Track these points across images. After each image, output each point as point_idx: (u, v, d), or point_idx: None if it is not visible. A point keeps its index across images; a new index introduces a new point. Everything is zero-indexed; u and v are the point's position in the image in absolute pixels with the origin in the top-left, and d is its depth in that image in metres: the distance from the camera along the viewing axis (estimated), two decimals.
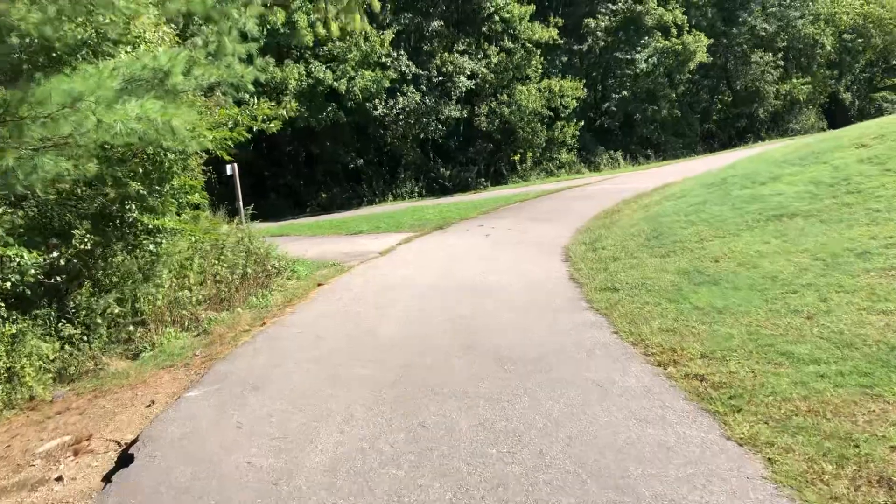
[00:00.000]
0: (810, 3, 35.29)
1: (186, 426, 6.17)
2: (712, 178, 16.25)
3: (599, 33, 31.01)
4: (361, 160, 29.03)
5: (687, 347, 6.39)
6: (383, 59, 27.59)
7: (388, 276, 11.96)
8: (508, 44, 28.73)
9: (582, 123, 30.40)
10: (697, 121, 36.57)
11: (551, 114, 29.21)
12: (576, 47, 31.13)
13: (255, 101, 12.25)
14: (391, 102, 28.05)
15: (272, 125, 12.24)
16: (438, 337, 7.89)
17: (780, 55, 35.97)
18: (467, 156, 30.08)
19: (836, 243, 8.40)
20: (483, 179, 29.74)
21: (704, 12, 34.31)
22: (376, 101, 27.83)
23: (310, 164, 31.05)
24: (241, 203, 24.39)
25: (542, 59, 29.13)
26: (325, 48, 27.27)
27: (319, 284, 11.80)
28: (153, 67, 8.09)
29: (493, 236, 15.27)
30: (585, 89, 30.08)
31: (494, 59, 28.45)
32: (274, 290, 11.59)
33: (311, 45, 27.19)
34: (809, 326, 6.31)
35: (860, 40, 37.31)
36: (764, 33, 34.45)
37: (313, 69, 26.28)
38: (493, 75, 28.46)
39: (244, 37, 9.97)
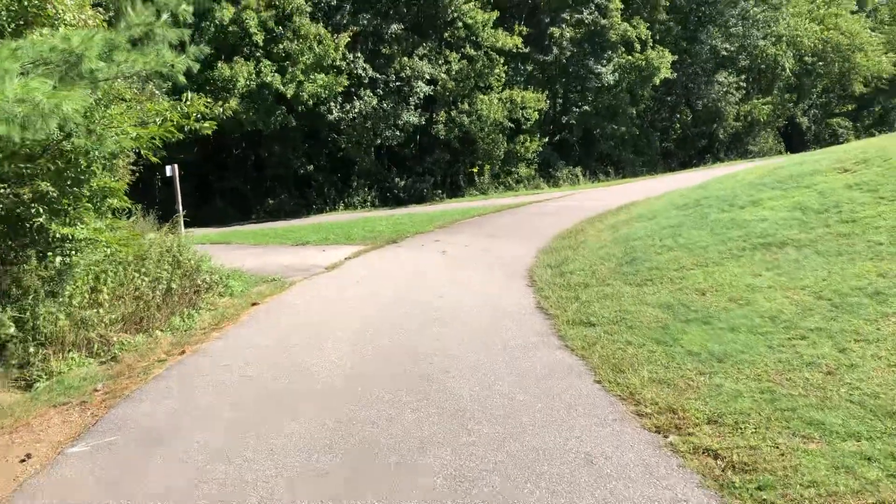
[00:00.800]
0: (771, 25, 35.11)
1: (58, 500, 4.83)
2: (683, 198, 15.37)
3: (565, 43, 30.19)
4: (312, 166, 27.66)
5: (689, 408, 5.29)
6: (338, 63, 26.29)
7: (333, 297, 10.69)
8: (471, 51, 27.70)
9: (546, 140, 29.49)
10: (658, 139, 36.06)
11: (512, 125, 28.24)
12: (540, 57, 30.24)
13: (188, 97, 10.83)
14: (347, 106, 26.76)
15: (206, 126, 10.87)
16: (387, 381, 6.67)
17: (742, 77, 35.69)
18: (424, 166, 28.91)
19: (841, 280, 7.43)
20: (439, 191, 28.59)
21: (668, 28, 33.84)
22: (331, 104, 26.51)
23: (258, 168, 29.53)
24: (180, 207, 22.84)
25: (505, 67, 28.16)
26: (280, 46, 25.87)
27: (254, 304, 10.47)
28: (63, 49, 6.78)
29: (451, 253, 14.11)
30: (548, 101, 29.20)
31: (456, 66, 27.38)
32: (202, 308, 10.22)
33: (263, 42, 25.78)
34: (834, 385, 5.26)
35: (820, 63, 37.29)
36: (726, 52, 34.10)
37: (262, 70, 24.84)
38: (453, 82, 27.36)
39: (176, 23, 8.65)
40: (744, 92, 35.62)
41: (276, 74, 24.86)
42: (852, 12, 40.17)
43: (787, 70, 35.35)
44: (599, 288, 9.42)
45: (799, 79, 38.01)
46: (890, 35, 42.51)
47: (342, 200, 27.35)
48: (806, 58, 36.67)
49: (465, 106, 27.47)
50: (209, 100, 10.13)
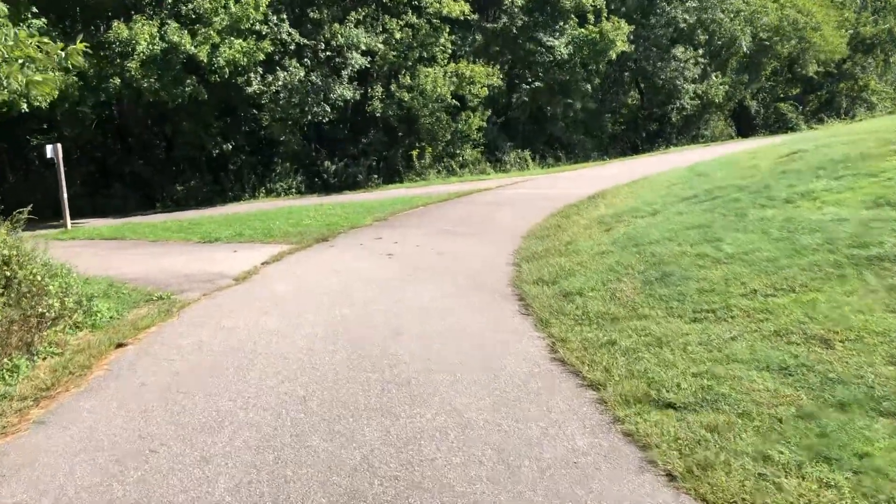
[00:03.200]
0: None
1: None
2: (682, 187, 12.62)
3: (516, 9, 27.09)
4: (229, 145, 23.90)
5: None
6: (258, 27, 22.62)
7: (239, 329, 7.39)
8: (413, 17, 24.36)
9: (489, 113, 26.36)
10: (609, 121, 33.47)
11: (457, 103, 25.07)
12: (488, 26, 27.10)
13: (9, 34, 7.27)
14: (269, 78, 23.12)
15: (39, 91, 7.37)
16: None
17: (699, 51, 33.34)
18: (358, 147, 25.51)
19: None
20: (375, 176, 25.27)
21: None
22: (250, 75, 22.83)
23: (167, 149, 25.61)
24: (64, 196, 18.89)
25: (451, 37, 24.96)
26: (189, 6, 22.03)
27: (120, 345, 7.08)
28: None
29: (400, 257, 10.94)
30: (500, 76, 26.10)
31: (397, 35, 24.00)
32: (41, 353, 6.81)
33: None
34: None
35: (777, 39, 35.30)
36: (683, 24, 31.62)
37: (168, 31, 20.99)
38: (393, 53, 24.01)
39: None
40: (701, 68, 33.29)
41: (184, 34, 21.03)
42: None
43: (745, 47, 33.14)
44: (636, 323, 6.40)
45: (753, 58, 35.97)
46: (840, 16, 41.04)
47: (263, 186, 23.78)
48: (762, 34, 34.58)
49: (407, 80, 24.15)
50: (44, 40, 6.46)
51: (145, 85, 20.71)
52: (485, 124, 25.94)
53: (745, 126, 41.48)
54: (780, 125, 41.80)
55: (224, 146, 23.76)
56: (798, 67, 40.72)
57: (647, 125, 35.46)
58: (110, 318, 8.25)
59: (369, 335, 6.89)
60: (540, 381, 5.41)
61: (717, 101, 34.22)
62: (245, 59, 21.81)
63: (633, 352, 5.69)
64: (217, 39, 21.49)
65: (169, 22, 21.44)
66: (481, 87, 25.02)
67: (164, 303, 8.86)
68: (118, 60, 20.87)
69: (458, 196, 19.29)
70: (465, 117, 25.40)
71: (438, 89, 23.69)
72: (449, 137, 25.02)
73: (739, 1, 33.66)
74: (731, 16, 32.91)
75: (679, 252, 8.17)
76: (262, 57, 21.98)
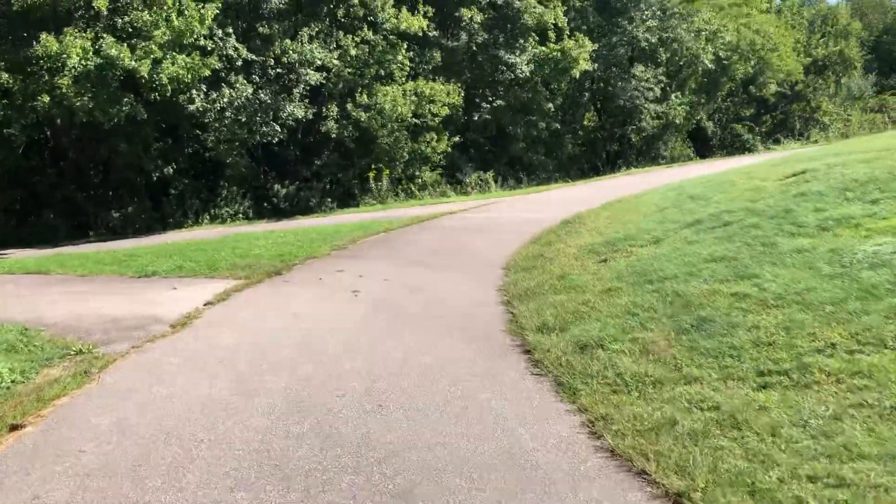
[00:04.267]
0: (692, 18, 32.32)
1: None
2: (679, 211, 11.43)
3: (476, 25, 25.91)
4: (171, 168, 22.06)
5: None
6: (203, 42, 20.94)
7: (175, 401, 5.80)
8: (368, 34, 22.94)
9: (457, 138, 25.07)
10: (570, 141, 32.48)
11: (417, 122, 23.69)
12: (448, 44, 25.85)
13: None
14: (214, 95, 21.41)
15: None
16: None
17: (660, 70, 32.65)
18: (311, 169, 23.90)
19: None
20: (329, 200, 23.68)
21: (585, 15, 30.25)
22: (193, 92, 21.11)
23: (101, 172, 23.61)
24: None
25: (409, 54, 23.61)
26: (125, 19, 20.26)
27: (15, 427, 5.42)
28: None
29: (368, 295, 9.43)
30: (461, 95, 24.80)
31: (352, 52, 22.55)
32: None
33: (106, 11, 20.12)
34: None
35: (736, 57, 34.88)
36: (646, 44, 30.88)
37: (104, 45, 19.17)
38: (348, 70, 22.54)
39: None
40: (661, 88, 32.59)
41: (123, 47, 19.22)
42: (762, 11, 38.28)
43: (707, 63, 32.58)
44: (689, 390, 5.02)
45: (710, 78, 35.51)
46: (793, 38, 41.05)
47: (208, 212, 21.97)
48: (721, 53, 34.13)
49: (364, 98, 22.69)
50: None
51: (78, 103, 18.83)
52: (450, 149, 24.60)
53: (702, 147, 41.05)
54: (736, 146, 41.55)
55: (165, 169, 21.92)
56: (754, 88, 40.56)
57: (607, 146, 34.61)
58: (11, 382, 6.58)
59: (343, 409, 5.37)
60: (593, 488, 3.96)
61: (677, 121, 33.56)
62: (189, 76, 20.09)
63: (706, 437, 4.29)
64: (158, 54, 19.74)
65: (105, 35, 19.63)
66: (441, 106, 23.70)
67: (83, 359, 7.20)
68: (47, 77, 18.99)
69: (422, 221, 17.85)
70: (428, 139, 24.03)
71: (399, 108, 22.28)
72: (407, 158, 23.61)
73: (700, 20, 33.14)
74: (693, 35, 32.36)
75: (709, 291, 6.86)
76: (207, 73, 20.28)
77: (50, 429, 5.38)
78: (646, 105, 31.28)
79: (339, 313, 8.56)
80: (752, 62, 35.86)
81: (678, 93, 33.96)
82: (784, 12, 43.94)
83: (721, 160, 32.27)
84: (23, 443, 5.14)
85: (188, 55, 20.24)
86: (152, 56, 19.40)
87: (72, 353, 7.47)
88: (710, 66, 32.79)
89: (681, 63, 33.00)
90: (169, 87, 19.76)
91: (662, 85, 32.56)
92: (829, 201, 8.61)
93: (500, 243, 13.31)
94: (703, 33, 32.89)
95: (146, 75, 19.12)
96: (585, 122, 33.71)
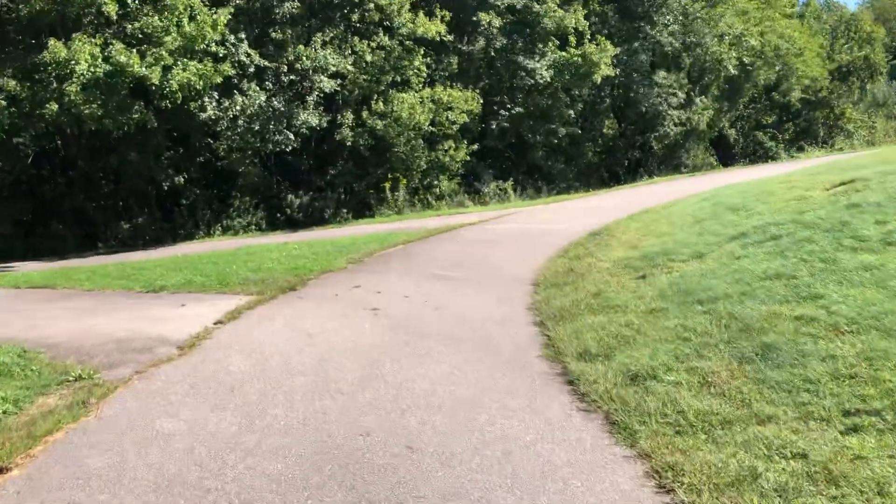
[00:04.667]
0: (714, 22, 31.59)
1: None
2: (718, 223, 10.73)
3: (495, 30, 25.30)
4: (182, 178, 21.56)
5: None
6: (215, 48, 20.44)
7: (179, 440, 5.18)
8: (384, 39, 22.39)
9: (475, 146, 24.45)
10: (589, 149, 31.79)
11: (434, 129, 23.10)
12: (465, 49, 25.25)
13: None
14: (226, 103, 20.91)
15: None
16: None
17: (682, 75, 31.91)
18: (325, 179, 23.35)
19: None
20: (345, 211, 23.11)
21: (606, 20, 29.57)
22: (205, 99, 20.62)
23: (111, 182, 23.16)
24: None
25: (426, 60, 23.05)
26: (135, 25, 19.79)
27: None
28: None
29: (388, 314, 8.80)
30: (479, 102, 24.20)
31: (368, 58, 22.01)
32: None
33: (116, 16, 19.65)
34: None
35: (760, 63, 34.12)
36: (669, 48, 30.18)
37: (113, 52, 18.70)
38: (364, 77, 22.00)
39: None
40: (685, 93, 31.85)
41: (133, 54, 18.75)
42: (786, 16, 37.50)
43: (731, 69, 31.84)
44: (764, 432, 4.34)
45: (733, 84, 34.74)
46: (817, 43, 40.23)
47: (220, 223, 21.46)
48: (745, 58, 33.38)
49: (380, 106, 22.12)
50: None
51: (86, 111, 18.37)
52: (468, 157, 23.99)
53: (724, 155, 40.31)
54: (759, 154, 40.74)
55: (176, 179, 21.44)
56: (777, 95, 39.75)
57: (628, 153, 33.88)
58: (3, 413, 6.01)
59: (368, 452, 4.72)
60: None
61: (700, 128, 32.80)
62: (200, 83, 19.58)
63: (799, 495, 3.62)
64: (169, 61, 19.25)
65: (114, 42, 19.16)
66: (459, 114, 23.09)
67: (82, 387, 6.61)
68: (55, 84, 18.55)
69: (441, 232, 17.23)
70: (446, 147, 23.42)
71: (416, 116, 21.70)
72: (425, 167, 23.01)
73: (724, 24, 32.40)
74: (717, 39, 31.63)
75: (769, 313, 6.18)
76: (219, 80, 19.77)
77: (38, 473, 4.76)
78: (669, 111, 30.54)
79: (357, 334, 7.92)
80: (777, 67, 35.06)
81: (702, 97, 33.19)
82: (807, 17, 43.09)
83: (745, 169, 31.50)
84: (6, 490, 4.53)
85: (200, 62, 19.75)
86: (163, 63, 18.92)
87: (71, 378, 6.88)
88: (733, 71, 32.03)
89: (704, 68, 32.24)
90: (180, 95, 19.28)
91: (686, 90, 31.83)
92: (891, 213, 7.91)
93: (524, 256, 12.67)
94: (727, 38, 32.15)
95: (157, 82, 18.63)
96: (606, 130, 33.00)
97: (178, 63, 19.30)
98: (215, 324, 9.03)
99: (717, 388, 5.11)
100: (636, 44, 29.74)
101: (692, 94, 32.28)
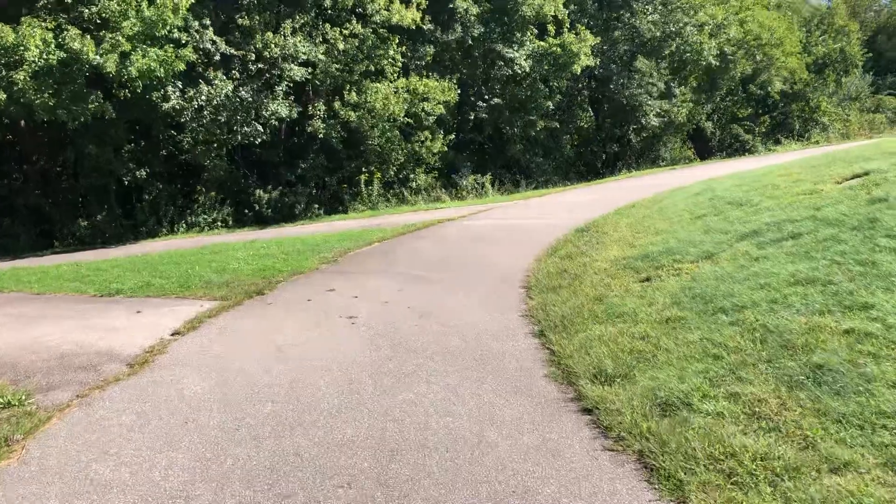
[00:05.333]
0: (695, 11, 30.90)
1: None
2: (715, 219, 9.96)
3: (472, 17, 24.34)
4: (144, 172, 20.36)
5: None
6: (177, 34, 19.26)
7: (116, 492, 4.20)
8: (357, 26, 21.34)
9: (452, 136, 23.53)
10: (568, 142, 30.99)
11: (410, 121, 22.13)
12: (442, 37, 24.25)
13: None
14: (190, 92, 19.76)
15: None
16: None
17: (663, 64, 31.21)
18: (296, 173, 22.27)
19: None
20: (316, 206, 22.07)
21: (585, 8, 28.75)
22: (168, 89, 19.47)
23: (68, 177, 21.89)
24: None
25: (401, 48, 22.04)
26: (93, 9, 18.53)
27: None
28: None
29: (368, 322, 7.89)
30: (457, 91, 23.25)
31: (340, 46, 20.95)
32: None
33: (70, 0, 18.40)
34: None
35: (740, 52, 33.55)
36: (650, 35, 29.42)
37: (67, 38, 17.46)
38: (336, 66, 20.95)
39: None
40: (665, 84, 31.17)
41: (87, 40, 17.52)
42: (764, 6, 36.99)
43: (711, 60, 31.22)
44: (844, 486, 3.49)
45: (712, 76, 34.15)
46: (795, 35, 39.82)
47: (184, 220, 20.30)
48: (726, 48, 32.78)
49: (353, 96, 21.10)
50: None
51: (37, 101, 17.12)
52: (445, 149, 23.04)
53: (701, 148, 39.77)
54: (735, 147, 40.27)
55: (137, 173, 20.21)
56: (754, 87, 39.30)
57: (606, 147, 33.15)
58: None
59: None
60: None
61: (679, 119, 32.15)
62: (162, 70, 18.40)
63: None
64: (127, 47, 18.04)
65: (68, 27, 17.91)
66: (436, 105, 22.14)
67: (10, 416, 5.66)
68: (3, 72, 17.26)
69: (419, 228, 16.31)
70: (423, 138, 22.46)
71: (390, 107, 20.72)
72: (402, 160, 22.03)
73: (704, 14, 31.77)
74: (697, 29, 30.99)
75: (810, 326, 5.36)
76: (182, 67, 18.60)
77: None
78: (649, 102, 29.81)
79: (333, 348, 6.99)
80: (758, 57, 34.52)
81: (682, 87, 32.54)
82: (783, 7, 42.67)
83: (724, 162, 30.93)
84: None
85: (161, 48, 18.57)
86: (120, 49, 17.71)
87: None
88: (713, 62, 31.40)
89: (684, 59, 31.56)
90: (140, 83, 18.09)
91: (665, 81, 31.17)
92: None
93: (511, 255, 11.80)
94: (707, 27, 31.53)
95: (112, 71, 17.43)
96: (584, 123, 32.22)
97: (138, 49, 18.12)
98: (173, 335, 8.07)
99: (769, 422, 4.26)
100: (616, 33, 28.97)
101: (671, 85, 31.61)
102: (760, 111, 42.72)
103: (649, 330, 6.30)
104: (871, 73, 50.78)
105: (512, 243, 13.23)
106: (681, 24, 30.08)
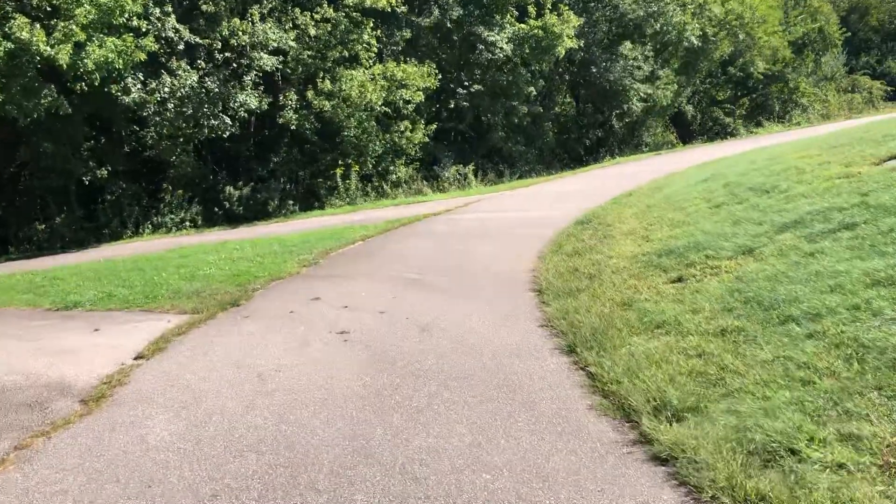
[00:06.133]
0: None
1: None
2: (739, 208, 9.01)
3: (450, 1, 23.21)
4: (105, 171, 19.01)
5: None
6: (136, 22, 17.93)
7: None
8: (329, 10, 20.15)
9: (434, 126, 22.40)
10: (551, 129, 30.02)
11: (388, 110, 20.99)
12: (418, 21, 23.09)
13: None
14: (152, 84, 18.46)
15: None
16: None
17: (647, 46, 30.27)
18: (268, 168, 21.05)
19: None
20: (291, 202, 20.88)
21: None
22: (128, 81, 18.15)
23: (24, 177, 20.46)
24: None
25: (376, 33, 20.88)
26: None
27: None
28: None
29: (362, 338, 6.82)
30: (438, 77, 22.11)
31: (312, 31, 19.76)
32: None
33: None
34: None
35: (723, 33, 32.79)
36: (633, 16, 28.45)
37: (14, 27, 16.08)
38: (308, 53, 19.75)
39: None
40: (650, 66, 30.29)
41: (37, 30, 16.16)
42: None
43: (694, 41, 30.39)
44: None
45: (692, 57, 33.35)
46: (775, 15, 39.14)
47: (150, 221, 19.03)
48: (708, 29, 31.99)
49: (327, 84, 19.91)
50: None
51: None
52: (427, 139, 21.93)
53: (683, 133, 39.03)
54: (716, 131, 39.62)
55: (98, 172, 18.86)
56: (734, 69, 38.65)
57: (589, 133, 32.20)
58: None
59: None
60: None
61: (663, 103, 31.30)
62: (121, 61, 17.08)
63: None
64: (82, 37, 16.69)
65: (16, 16, 16.51)
66: (415, 92, 21.01)
67: None
68: None
69: (403, 224, 15.24)
70: (403, 128, 21.33)
71: (367, 95, 19.57)
72: (380, 152, 20.88)
73: None
74: (681, 7, 30.11)
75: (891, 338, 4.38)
76: (142, 57, 17.30)
77: None
78: (634, 85, 28.86)
79: (326, 375, 5.90)
80: (741, 37, 33.77)
81: (665, 69, 31.69)
82: None
83: (709, 146, 30.19)
84: None
85: (119, 37, 17.24)
86: (74, 39, 16.36)
87: None
88: (696, 42, 30.57)
89: (666, 40, 30.66)
90: (97, 76, 16.78)
91: (650, 61, 30.28)
92: None
93: (511, 253, 10.79)
94: (689, 6, 30.68)
95: (65, 63, 16.10)
96: (565, 109, 31.25)
97: (94, 39, 16.78)
98: (136, 359, 6.96)
99: None
100: (597, 14, 28.01)
101: (655, 67, 30.73)
102: (739, 93, 42.07)
103: (703, 344, 5.29)
104: (845, 52, 50.45)
105: (509, 240, 12.23)
106: (663, 2, 29.15)
